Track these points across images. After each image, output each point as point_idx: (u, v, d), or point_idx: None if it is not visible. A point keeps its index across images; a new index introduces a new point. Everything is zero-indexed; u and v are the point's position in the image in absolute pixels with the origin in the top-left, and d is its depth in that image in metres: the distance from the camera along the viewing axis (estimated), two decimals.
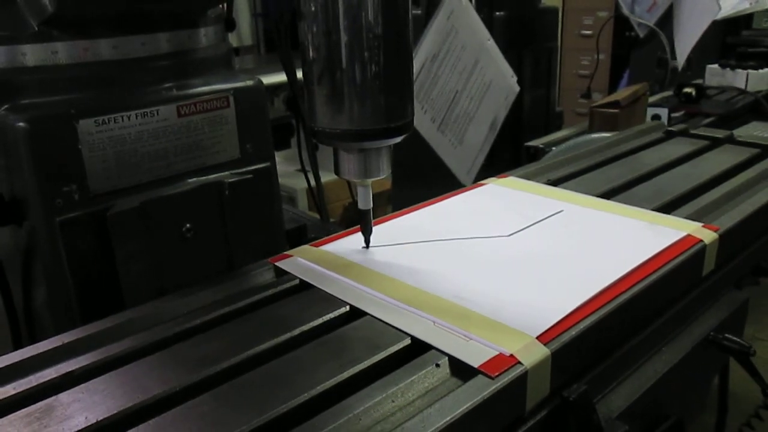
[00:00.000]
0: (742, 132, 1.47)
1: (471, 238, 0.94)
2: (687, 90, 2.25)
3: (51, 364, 0.66)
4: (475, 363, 0.64)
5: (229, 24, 1.31)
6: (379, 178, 0.84)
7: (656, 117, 2.10)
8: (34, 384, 0.63)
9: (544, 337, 0.68)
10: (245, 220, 1.17)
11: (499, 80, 1.92)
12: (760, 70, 2.40)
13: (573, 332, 0.70)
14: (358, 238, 0.95)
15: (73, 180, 0.99)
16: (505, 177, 1.20)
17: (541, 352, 0.66)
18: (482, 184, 1.18)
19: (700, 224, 0.95)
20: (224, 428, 0.55)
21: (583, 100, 2.70)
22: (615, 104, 1.97)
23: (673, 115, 2.14)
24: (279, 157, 2.58)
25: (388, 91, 0.76)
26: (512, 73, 1.97)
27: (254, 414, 0.57)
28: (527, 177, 1.20)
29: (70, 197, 0.99)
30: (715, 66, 2.50)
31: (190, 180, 1.12)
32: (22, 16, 0.97)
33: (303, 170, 1.62)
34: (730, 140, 1.40)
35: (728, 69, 2.44)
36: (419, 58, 1.67)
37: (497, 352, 0.65)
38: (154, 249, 1.07)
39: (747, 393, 1.25)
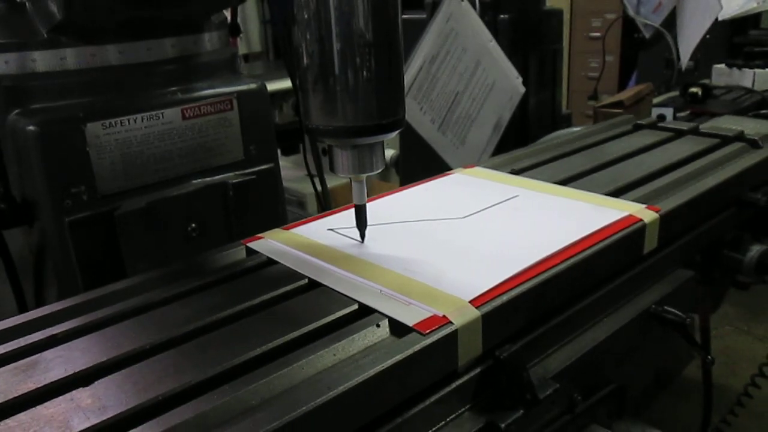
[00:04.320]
0: (713, 124, 1.49)
1: (427, 220, 0.99)
2: (693, 90, 2.24)
3: (37, 329, 0.73)
4: (410, 322, 0.69)
5: (234, 29, 1.33)
6: (372, 174, 0.86)
7: (661, 117, 2.09)
8: (22, 345, 0.70)
9: (476, 302, 0.74)
10: (249, 219, 1.19)
11: (503, 81, 1.94)
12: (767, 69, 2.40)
13: (505, 298, 0.75)
14: (324, 222, 1.00)
15: (81, 181, 1.02)
16: (471, 167, 1.24)
17: (472, 313, 0.72)
18: (449, 173, 1.23)
19: (644, 206, 0.99)
20: (183, 377, 0.62)
21: (591, 102, 2.70)
22: (619, 104, 1.98)
23: (678, 114, 2.13)
24: (288, 162, 2.61)
25: (380, 90, 0.78)
26: (517, 74, 1.98)
27: (210, 366, 0.64)
28: (494, 167, 1.24)
29: (79, 198, 1.02)
30: (722, 66, 2.48)
31: (195, 181, 1.15)
32: (32, 24, 1.00)
33: (309, 174, 1.64)
34: (694, 131, 1.42)
35: (735, 68, 2.43)
36: (417, 60, 1.70)
37: (431, 314, 0.71)
38: (160, 248, 1.10)
39: (728, 385, 1.27)
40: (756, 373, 1.20)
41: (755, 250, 1.22)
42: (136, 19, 1.06)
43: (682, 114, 2.16)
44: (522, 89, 1.99)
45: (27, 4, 1.01)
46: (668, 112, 2.13)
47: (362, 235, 0.92)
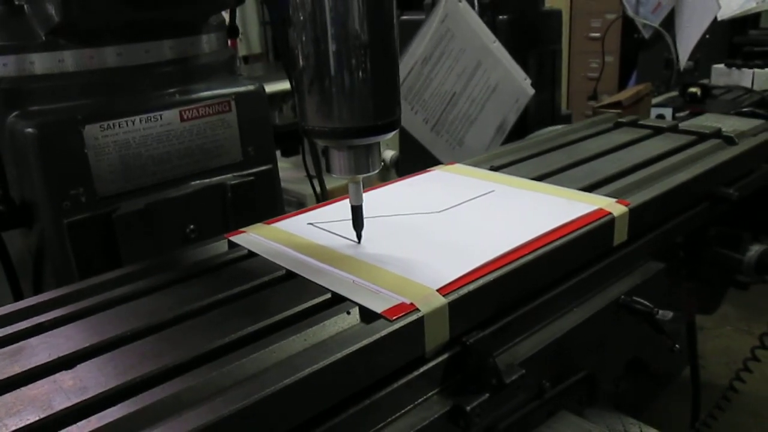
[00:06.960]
0: (692, 122, 1.50)
1: (405, 214, 1.02)
2: (692, 90, 2.24)
3: (24, 318, 0.76)
4: (378, 309, 0.72)
5: (232, 31, 1.34)
6: (368, 175, 0.87)
7: (660, 117, 2.10)
8: (9, 333, 0.74)
9: (444, 290, 0.76)
10: (248, 221, 1.20)
11: (508, 83, 1.92)
12: (767, 69, 2.38)
13: (472, 286, 0.78)
14: (304, 217, 1.03)
15: (80, 183, 1.04)
16: (452, 164, 1.27)
17: (439, 301, 0.74)
18: (430, 170, 1.25)
19: (614, 200, 1.02)
20: (160, 360, 0.65)
21: (591, 102, 2.71)
22: (617, 104, 1.98)
23: (678, 114, 2.13)
24: (288, 163, 2.63)
25: (375, 91, 0.79)
26: (525, 76, 1.96)
27: (186, 350, 0.67)
28: (474, 164, 1.26)
29: (78, 200, 1.04)
30: (721, 66, 2.47)
31: (193, 182, 1.16)
32: (30, 26, 1.02)
33: (308, 176, 1.65)
34: (673, 129, 1.43)
35: (734, 68, 2.42)
36: (407, 60, 1.71)
37: (399, 302, 0.74)
38: (158, 250, 1.10)
39: (717, 381, 1.28)
40: (741, 368, 1.21)
41: (755, 249, 1.24)
42: (134, 21, 1.08)
43: (682, 114, 2.16)
44: (530, 91, 1.97)
45: (25, 6, 1.02)
46: (667, 112, 2.13)
47: (359, 236, 0.92)
